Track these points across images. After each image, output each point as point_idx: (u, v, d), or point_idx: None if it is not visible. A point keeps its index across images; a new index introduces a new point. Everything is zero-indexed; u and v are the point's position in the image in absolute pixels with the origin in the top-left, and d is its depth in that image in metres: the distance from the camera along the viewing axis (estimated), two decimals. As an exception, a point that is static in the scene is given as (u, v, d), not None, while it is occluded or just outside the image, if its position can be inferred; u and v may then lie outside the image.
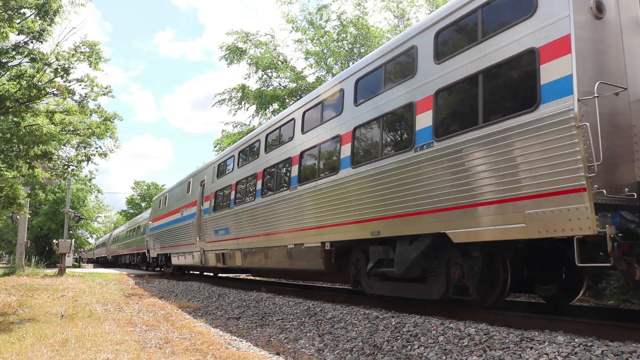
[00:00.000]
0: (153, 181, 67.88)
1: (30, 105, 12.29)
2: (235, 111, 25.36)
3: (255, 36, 23.76)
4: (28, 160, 13.56)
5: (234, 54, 23.59)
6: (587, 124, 4.54)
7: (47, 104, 13.38)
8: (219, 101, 25.21)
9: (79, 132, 13.86)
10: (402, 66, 7.48)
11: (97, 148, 15.00)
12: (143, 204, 62.64)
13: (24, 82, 11.85)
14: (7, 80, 12.06)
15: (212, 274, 20.48)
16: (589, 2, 4.96)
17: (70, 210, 31.32)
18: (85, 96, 13.03)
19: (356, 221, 7.91)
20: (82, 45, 12.21)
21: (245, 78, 24.52)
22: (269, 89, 23.92)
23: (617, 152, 4.82)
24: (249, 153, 13.11)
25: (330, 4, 22.99)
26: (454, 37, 6.49)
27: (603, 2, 5.04)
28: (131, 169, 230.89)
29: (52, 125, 12.90)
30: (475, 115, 5.78)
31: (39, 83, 11.99)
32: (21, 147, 12.77)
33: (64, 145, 14.95)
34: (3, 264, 35.92)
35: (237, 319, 8.75)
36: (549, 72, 4.94)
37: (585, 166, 4.52)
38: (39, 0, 11.24)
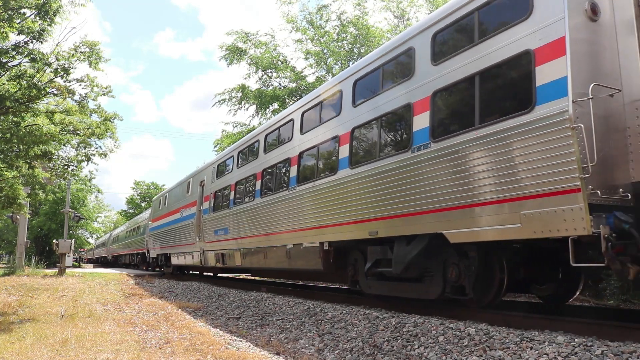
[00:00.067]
0: (153, 181, 68.04)
1: (30, 105, 12.31)
2: (235, 111, 25.43)
3: (255, 36, 23.81)
4: (28, 160, 13.60)
5: (234, 54, 23.62)
6: (582, 125, 4.58)
7: (47, 104, 13.41)
8: (219, 101, 25.26)
9: (79, 132, 13.89)
10: (399, 67, 7.52)
11: (97, 148, 15.06)
12: (143, 204, 62.66)
13: (24, 82, 11.88)
14: (7, 80, 12.09)
15: (211, 274, 20.52)
16: (584, 5, 5.00)
17: (70, 210, 31.35)
18: (85, 96, 13.07)
19: (354, 221, 7.95)
20: (82, 45, 12.24)
21: (245, 78, 24.60)
22: (269, 89, 23.95)
23: (611, 153, 4.86)
24: (248, 153, 13.15)
25: (330, 4, 23.05)
26: (451, 38, 6.53)
27: (598, 5, 5.07)
28: (131, 169, 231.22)
29: (52, 125, 12.93)
30: (471, 117, 5.83)
31: (39, 83, 12.02)
32: (21, 147, 12.81)
33: (64, 145, 14.98)
34: (3, 264, 35.96)
35: (237, 319, 8.79)
36: (544, 74, 4.98)
37: (579, 167, 4.56)
38: (39, 0, 11.28)
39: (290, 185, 10.16)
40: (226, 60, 23.88)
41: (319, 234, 9.05)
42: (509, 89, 5.62)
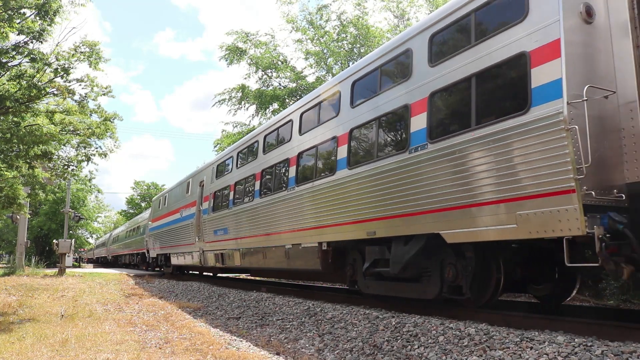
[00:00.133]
0: (153, 181, 68.05)
1: (30, 105, 12.34)
2: (235, 111, 25.46)
3: (255, 36, 23.84)
4: (28, 160, 13.63)
5: (234, 54, 23.65)
6: (576, 126, 4.62)
7: (47, 104, 13.43)
8: (218, 101, 25.29)
9: (79, 132, 13.92)
10: (397, 68, 7.56)
11: (97, 148, 15.09)
12: (143, 204, 62.69)
13: (24, 82, 11.91)
14: (7, 80, 12.12)
15: (211, 274, 20.56)
16: (578, 7, 5.04)
17: (70, 210, 31.38)
18: (85, 96, 13.10)
19: (352, 221, 8.00)
20: (82, 45, 12.27)
21: (245, 78, 24.63)
22: (269, 89, 23.98)
23: (605, 154, 4.90)
24: (247, 154, 13.19)
25: (330, 4, 23.08)
26: (447, 40, 6.57)
27: (593, 7, 5.11)
28: (131, 169, 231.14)
29: (52, 125, 12.96)
30: (468, 118, 5.87)
31: (39, 83, 12.05)
32: (21, 147, 12.84)
33: (64, 145, 15.01)
34: (3, 264, 35.99)
35: (237, 319, 8.81)
36: (539, 76, 5.02)
37: (574, 168, 4.61)
38: (39, 0, 11.31)
39: (289, 185, 10.21)
40: (226, 60, 23.94)
41: (317, 234, 9.10)
42: (505, 91, 5.67)
